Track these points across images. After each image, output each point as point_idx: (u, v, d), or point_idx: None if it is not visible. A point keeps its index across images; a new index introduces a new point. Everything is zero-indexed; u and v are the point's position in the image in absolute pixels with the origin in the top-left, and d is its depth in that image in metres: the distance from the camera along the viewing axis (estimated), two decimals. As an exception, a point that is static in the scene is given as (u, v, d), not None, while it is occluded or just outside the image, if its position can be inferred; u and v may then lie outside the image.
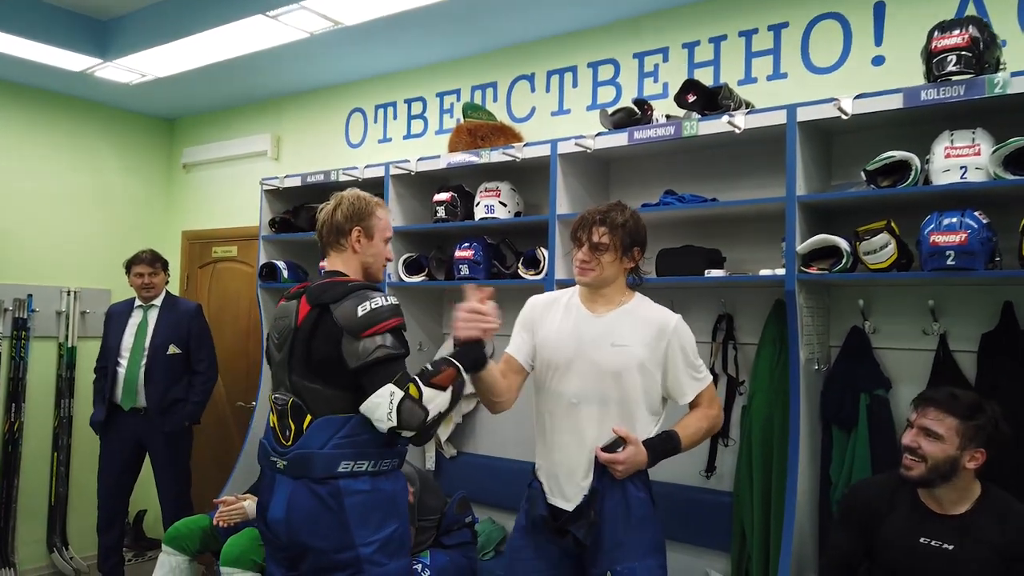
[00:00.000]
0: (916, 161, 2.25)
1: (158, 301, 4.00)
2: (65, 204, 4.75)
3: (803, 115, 2.43)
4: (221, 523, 3.09)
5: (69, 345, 4.68)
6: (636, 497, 2.14)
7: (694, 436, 2.19)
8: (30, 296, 4.52)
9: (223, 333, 4.69)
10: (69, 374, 4.67)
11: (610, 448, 2.07)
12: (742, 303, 2.89)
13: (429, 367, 2.06)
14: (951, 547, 1.99)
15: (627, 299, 2.23)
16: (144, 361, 3.87)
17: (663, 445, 2.13)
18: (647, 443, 2.11)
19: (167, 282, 4.06)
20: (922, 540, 2.04)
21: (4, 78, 4.42)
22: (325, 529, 2.00)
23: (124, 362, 3.90)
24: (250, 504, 3.10)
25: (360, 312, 2.01)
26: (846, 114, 2.34)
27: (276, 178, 3.94)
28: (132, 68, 4.06)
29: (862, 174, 2.34)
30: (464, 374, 2.08)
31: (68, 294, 4.69)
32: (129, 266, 3.97)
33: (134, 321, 3.98)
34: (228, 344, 4.65)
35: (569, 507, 2.15)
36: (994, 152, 2.13)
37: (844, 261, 2.34)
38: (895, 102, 2.28)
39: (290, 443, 2.07)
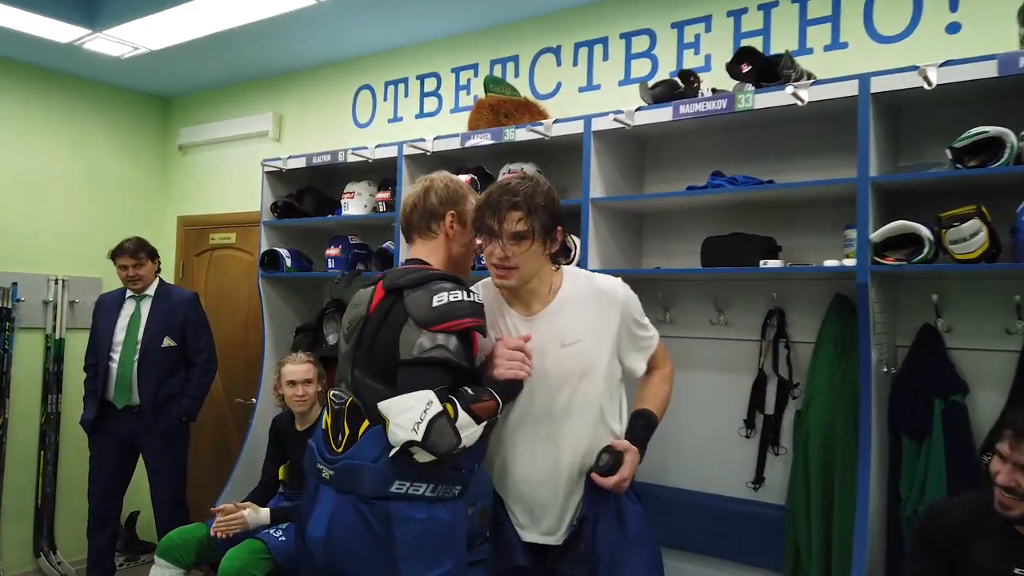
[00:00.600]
0: (1012, 137, 1.98)
1: (151, 291, 3.73)
2: (53, 187, 4.45)
3: (878, 86, 2.15)
4: (219, 534, 2.84)
5: (57, 337, 4.40)
6: (631, 510, 1.87)
7: (663, 407, 1.98)
8: (15, 284, 4.23)
9: (221, 325, 4.42)
10: (57, 368, 4.39)
11: (608, 470, 1.80)
12: (796, 297, 2.62)
13: (469, 391, 1.74)
14: (1053, 579, 1.75)
15: (558, 283, 1.90)
16: (137, 355, 3.61)
17: (647, 433, 1.90)
18: (635, 439, 1.86)
19: (158, 271, 3.78)
20: (1017, 571, 1.80)
21: (-14, 51, 4.14)
22: (368, 558, 1.72)
23: (117, 356, 3.65)
24: (250, 513, 2.85)
25: (436, 302, 1.72)
26: (930, 84, 2.06)
27: (279, 159, 3.65)
28: (123, 40, 3.77)
29: (947, 152, 2.07)
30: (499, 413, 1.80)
31: (56, 283, 4.40)
32: (113, 257, 3.69)
33: (126, 312, 3.72)
34: (226, 336, 4.38)
35: (550, 541, 1.87)
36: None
37: (926, 251, 2.07)
38: (988, 70, 2.00)
39: (341, 450, 1.79)
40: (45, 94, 4.41)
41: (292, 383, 3.06)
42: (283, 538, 2.86)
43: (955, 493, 2.16)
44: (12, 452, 4.23)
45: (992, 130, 1.99)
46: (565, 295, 1.88)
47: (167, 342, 3.65)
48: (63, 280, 4.43)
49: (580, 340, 1.83)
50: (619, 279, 1.94)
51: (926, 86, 2.06)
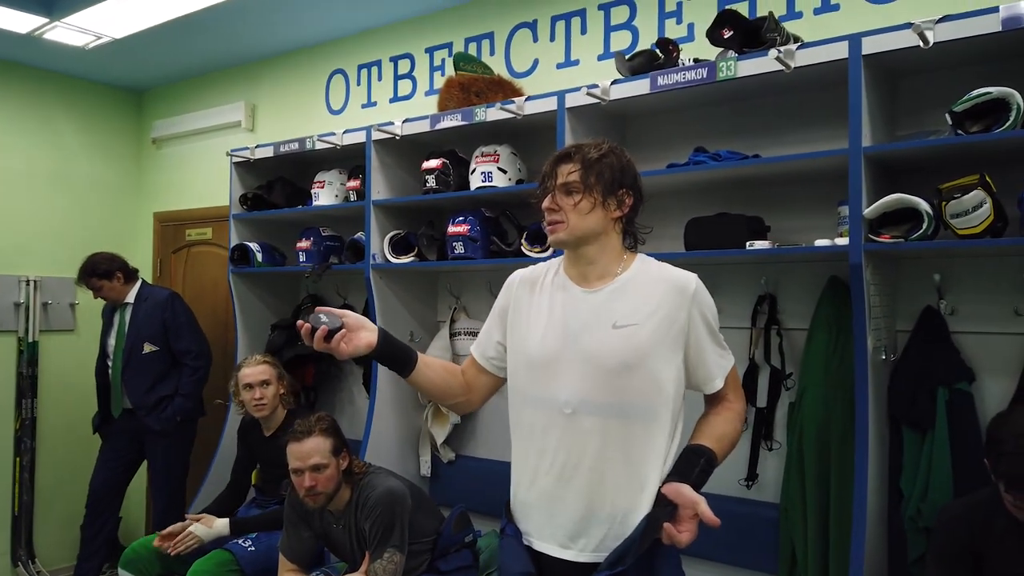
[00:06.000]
0: (1017, 98, 1.80)
1: (131, 298, 3.64)
2: (23, 184, 4.29)
3: (870, 46, 1.97)
4: (171, 552, 2.73)
5: (30, 340, 4.25)
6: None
7: (728, 447, 1.67)
8: (-17, 286, 4.10)
9: (200, 323, 4.27)
10: (31, 371, 4.25)
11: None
12: (787, 281, 2.44)
13: None
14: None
15: (627, 264, 1.67)
16: (121, 364, 3.57)
17: (705, 476, 1.57)
18: (692, 480, 1.54)
19: (127, 280, 3.64)
20: None
21: (-54, 44, 3.98)
22: None
23: (111, 364, 3.65)
24: (199, 527, 2.73)
25: None
26: (927, 43, 1.88)
27: (247, 148, 3.49)
28: (84, 28, 3.61)
29: (947, 118, 1.89)
30: None
31: (28, 284, 4.25)
32: None
33: (117, 320, 3.68)
34: (207, 336, 4.22)
35: (564, 556, 1.61)
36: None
37: (925, 226, 1.89)
38: (991, 24, 1.83)
39: None
40: (11, 88, 4.24)
41: (248, 386, 2.90)
42: (252, 548, 2.72)
43: (961, 489, 2.00)
44: (-14, 459, 4.11)
45: (996, 91, 1.81)
46: (631, 276, 1.66)
47: (148, 348, 3.56)
48: (35, 281, 4.28)
49: (636, 324, 1.59)
50: (695, 275, 1.66)
51: (922, 45, 1.88)
